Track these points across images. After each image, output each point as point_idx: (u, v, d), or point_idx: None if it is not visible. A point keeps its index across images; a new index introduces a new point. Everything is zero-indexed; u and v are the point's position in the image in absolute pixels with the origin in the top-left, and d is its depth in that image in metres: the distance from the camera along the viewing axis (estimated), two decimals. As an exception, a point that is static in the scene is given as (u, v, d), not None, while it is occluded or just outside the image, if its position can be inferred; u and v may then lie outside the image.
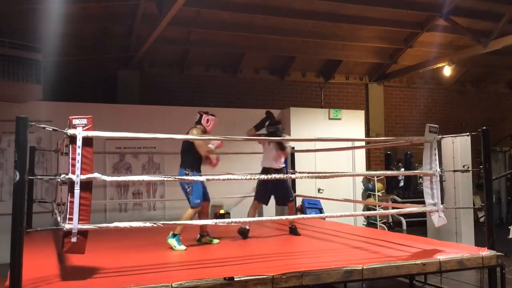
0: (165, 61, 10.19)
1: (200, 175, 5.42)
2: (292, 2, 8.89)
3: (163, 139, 4.95)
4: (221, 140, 5.59)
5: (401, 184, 12.22)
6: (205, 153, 5.60)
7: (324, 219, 7.69)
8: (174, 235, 5.28)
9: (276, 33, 9.73)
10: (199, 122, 5.77)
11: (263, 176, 5.51)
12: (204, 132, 5.75)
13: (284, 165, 6.51)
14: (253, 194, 6.65)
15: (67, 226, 3.54)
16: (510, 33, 8.81)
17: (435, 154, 4.93)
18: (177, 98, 9.92)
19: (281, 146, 6.30)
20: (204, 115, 5.78)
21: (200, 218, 5.67)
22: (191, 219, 5.47)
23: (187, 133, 5.67)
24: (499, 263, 4.53)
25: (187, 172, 5.49)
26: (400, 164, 12.03)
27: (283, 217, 5.95)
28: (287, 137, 7.44)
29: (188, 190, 5.50)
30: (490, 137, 4.83)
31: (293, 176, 6.50)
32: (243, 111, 9.64)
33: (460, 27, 9.48)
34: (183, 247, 5.26)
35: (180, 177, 5.36)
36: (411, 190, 11.93)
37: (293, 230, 6.41)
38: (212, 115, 5.84)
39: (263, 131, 6.51)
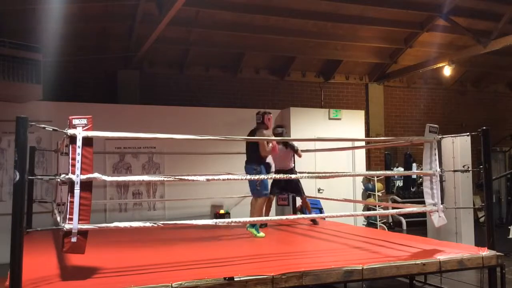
0: (165, 61, 10.19)
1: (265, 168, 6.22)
2: (292, 2, 8.90)
3: (163, 139, 4.96)
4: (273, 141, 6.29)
5: (400, 184, 12.22)
6: (265, 153, 6.19)
7: (324, 219, 7.69)
8: (253, 225, 5.76)
9: (276, 33, 9.73)
10: (262, 122, 6.25)
11: (263, 176, 5.64)
12: (267, 129, 6.33)
13: (293, 165, 7.20)
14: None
15: (67, 226, 3.54)
16: (510, 33, 8.81)
17: (435, 154, 4.94)
18: (177, 98, 9.92)
19: (293, 150, 6.98)
20: (265, 115, 6.25)
21: (267, 207, 6.57)
22: (262, 209, 6.15)
23: (255, 135, 6.19)
24: (499, 263, 4.53)
25: (255, 168, 6.07)
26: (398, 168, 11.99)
27: (283, 217, 5.96)
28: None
29: (258, 183, 6.07)
30: (490, 137, 4.83)
31: (293, 176, 6.53)
32: (243, 111, 9.64)
33: (460, 27, 9.49)
34: (262, 234, 5.81)
35: (180, 177, 5.35)
36: (411, 190, 11.91)
37: (313, 221, 7.13)
38: (269, 112, 6.37)
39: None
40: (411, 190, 11.78)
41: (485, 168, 4.75)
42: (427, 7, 9.27)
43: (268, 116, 6.29)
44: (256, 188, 6.14)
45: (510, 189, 11.70)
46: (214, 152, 8.62)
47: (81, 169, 3.56)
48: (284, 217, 5.92)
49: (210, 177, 4.79)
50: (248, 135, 6.44)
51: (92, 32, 9.13)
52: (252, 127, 6.67)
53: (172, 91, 10.09)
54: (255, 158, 6.20)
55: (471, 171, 7.25)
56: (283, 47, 10.39)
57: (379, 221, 10.69)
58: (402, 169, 11.63)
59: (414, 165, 11.46)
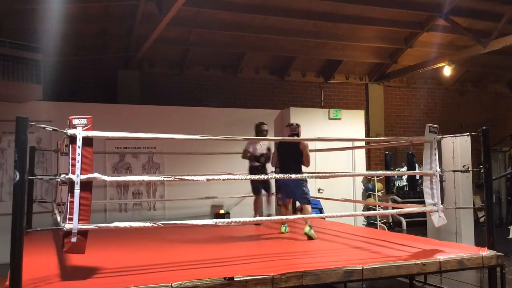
0: (165, 61, 10.19)
1: None
2: (292, 2, 8.89)
3: (163, 139, 4.96)
4: None
5: (404, 183, 12.18)
6: (309, 164, 6.27)
7: (324, 219, 7.69)
8: (310, 226, 5.89)
9: (276, 33, 9.73)
10: (298, 134, 6.37)
11: (263, 176, 5.65)
12: None
13: None
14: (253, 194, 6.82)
15: (67, 226, 3.54)
16: (510, 33, 8.81)
17: (435, 154, 4.93)
18: (177, 98, 9.92)
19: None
20: (299, 127, 6.40)
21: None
22: (311, 213, 6.27)
23: (298, 146, 6.18)
24: (499, 263, 4.53)
25: (302, 181, 6.15)
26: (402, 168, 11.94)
27: (283, 217, 5.96)
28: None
29: (306, 190, 6.16)
30: (490, 137, 4.82)
31: (293, 176, 6.52)
32: (243, 111, 9.66)
33: (460, 27, 9.49)
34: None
35: (180, 177, 5.35)
36: (412, 190, 11.88)
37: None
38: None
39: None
40: (417, 190, 11.72)
41: (485, 168, 4.75)
42: (427, 7, 9.27)
43: (300, 128, 6.47)
44: (303, 196, 6.19)
45: (510, 189, 11.69)
46: (214, 152, 8.62)
47: (81, 169, 3.56)
48: (284, 217, 5.92)
49: (210, 177, 4.78)
50: (280, 146, 6.46)
51: (92, 32, 9.13)
52: (252, 128, 6.68)
53: (172, 91, 10.09)
54: (300, 170, 6.25)
55: (471, 171, 7.25)
56: (283, 47, 10.39)
57: (379, 221, 10.69)
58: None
59: (416, 165, 11.44)
